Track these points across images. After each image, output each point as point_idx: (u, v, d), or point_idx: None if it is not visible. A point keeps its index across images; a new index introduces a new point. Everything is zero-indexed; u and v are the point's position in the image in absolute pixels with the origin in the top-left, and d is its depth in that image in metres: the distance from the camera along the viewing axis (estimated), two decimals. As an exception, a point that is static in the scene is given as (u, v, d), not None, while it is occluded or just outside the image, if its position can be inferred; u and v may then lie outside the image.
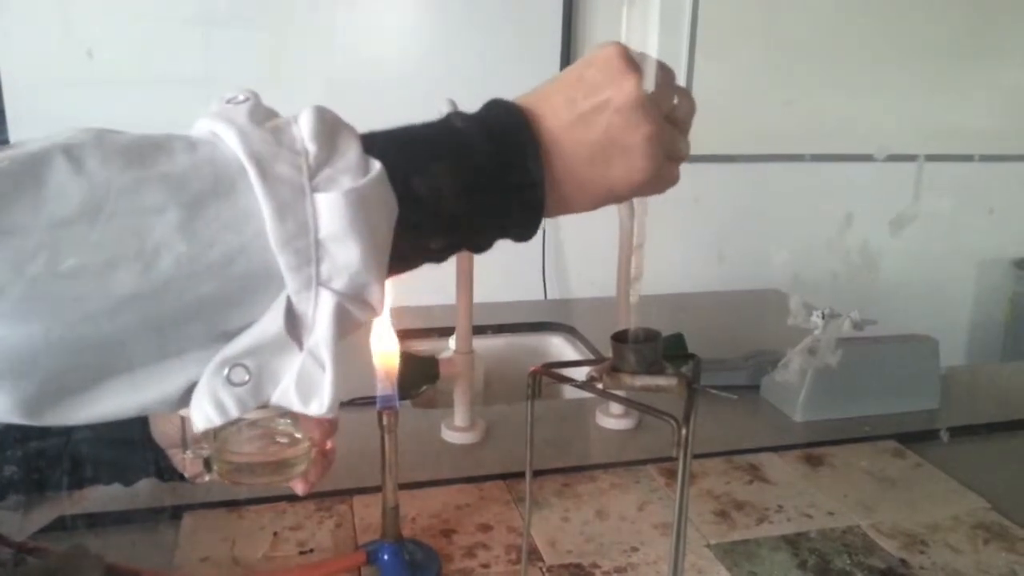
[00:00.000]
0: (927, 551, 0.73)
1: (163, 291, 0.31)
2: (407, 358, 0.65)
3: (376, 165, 0.36)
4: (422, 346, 1.24)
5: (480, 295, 0.91)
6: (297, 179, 0.33)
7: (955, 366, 1.17)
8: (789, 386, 1.00)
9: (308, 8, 1.84)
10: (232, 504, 0.77)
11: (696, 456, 0.84)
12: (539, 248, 2.05)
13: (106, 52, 1.76)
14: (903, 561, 0.72)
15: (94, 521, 0.72)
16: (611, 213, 0.91)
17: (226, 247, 0.32)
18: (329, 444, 0.60)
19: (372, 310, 0.36)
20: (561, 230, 2.07)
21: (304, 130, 0.35)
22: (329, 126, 0.36)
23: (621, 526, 0.76)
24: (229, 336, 0.34)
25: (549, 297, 2.06)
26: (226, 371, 0.34)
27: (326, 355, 0.35)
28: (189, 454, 0.55)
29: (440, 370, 1.05)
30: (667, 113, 0.46)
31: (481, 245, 0.43)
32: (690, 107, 0.48)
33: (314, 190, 0.34)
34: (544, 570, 0.69)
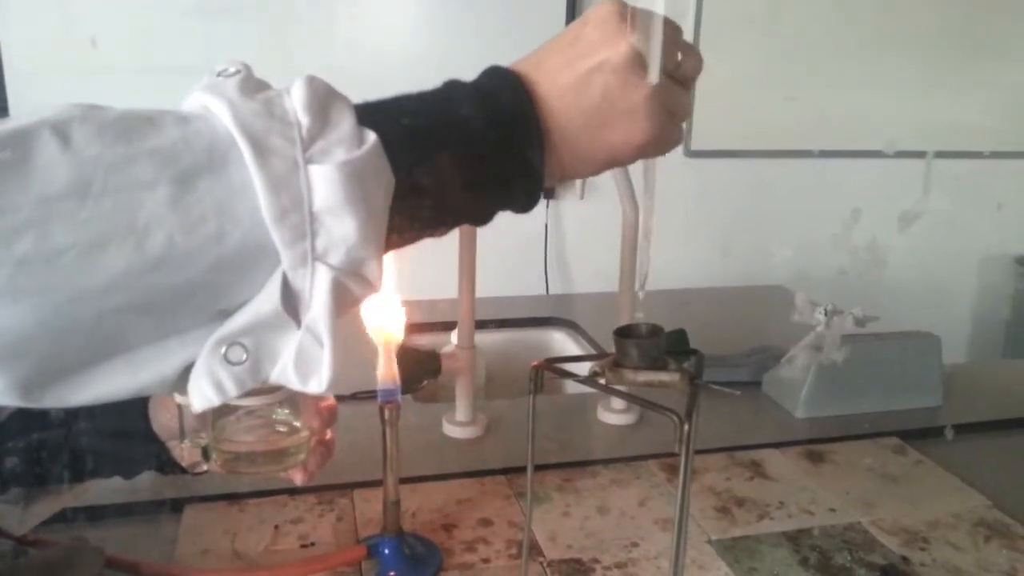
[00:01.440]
0: (928, 548, 0.73)
1: (155, 269, 0.31)
2: (409, 352, 0.65)
3: (371, 136, 0.35)
4: (424, 340, 1.24)
5: (482, 290, 0.91)
6: (290, 152, 0.33)
7: (957, 363, 1.17)
8: (791, 382, 1.00)
9: (310, -1, 1.84)
10: (233, 497, 0.77)
11: (698, 452, 0.83)
12: (541, 243, 2.04)
13: (108, 41, 1.76)
14: (904, 558, 0.72)
15: (94, 514, 0.72)
16: (613, 207, 0.91)
17: (219, 222, 0.32)
18: (329, 434, 0.60)
19: (370, 285, 0.36)
20: (563, 224, 2.07)
21: (296, 101, 0.34)
22: (321, 97, 0.35)
23: (622, 521, 0.76)
24: (226, 314, 0.33)
25: (551, 292, 2.06)
26: (223, 350, 0.33)
27: (324, 332, 0.34)
28: (187, 443, 0.55)
29: (442, 364, 1.05)
30: (670, 71, 0.45)
31: (481, 220, 0.43)
32: (696, 64, 0.46)
33: (308, 162, 0.33)
34: (544, 565, 0.69)
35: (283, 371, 0.34)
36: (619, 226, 0.92)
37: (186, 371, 0.34)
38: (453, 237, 0.85)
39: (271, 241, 0.32)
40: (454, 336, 0.94)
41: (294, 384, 0.34)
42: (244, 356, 0.33)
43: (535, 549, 0.71)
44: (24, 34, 1.73)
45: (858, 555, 0.72)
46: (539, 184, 0.42)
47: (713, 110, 2.07)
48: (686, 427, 0.46)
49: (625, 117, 0.42)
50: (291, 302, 0.34)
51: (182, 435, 0.56)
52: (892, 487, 0.84)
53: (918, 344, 1.04)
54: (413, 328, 1.26)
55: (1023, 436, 0.98)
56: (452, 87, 0.41)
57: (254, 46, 1.82)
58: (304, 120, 0.34)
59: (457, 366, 0.92)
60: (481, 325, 1.05)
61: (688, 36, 0.45)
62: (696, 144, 2.08)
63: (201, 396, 0.33)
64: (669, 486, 0.82)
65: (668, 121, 0.44)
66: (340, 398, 0.61)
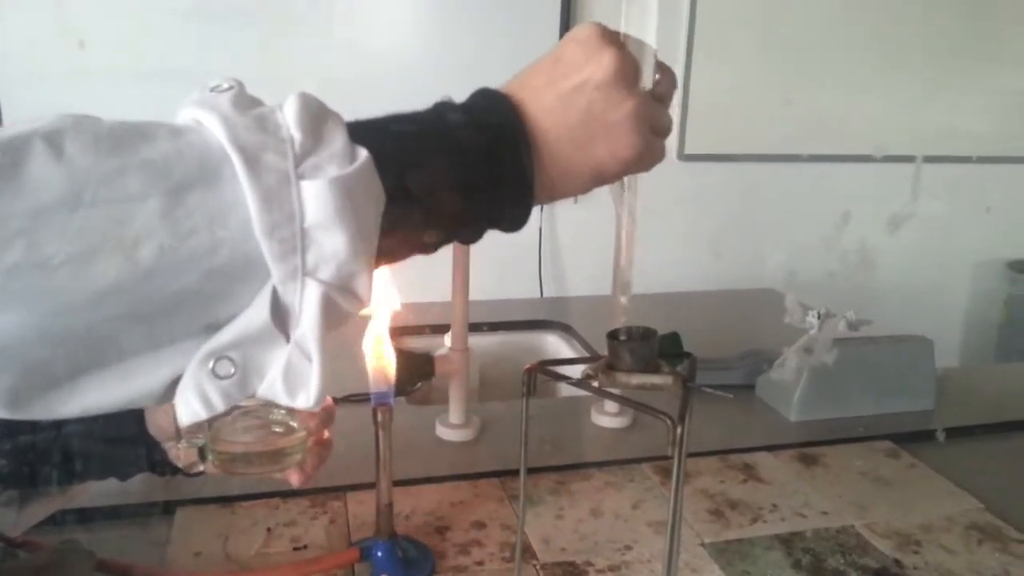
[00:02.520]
0: (921, 551, 0.74)
1: (145, 281, 0.31)
2: (402, 355, 0.65)
3: (363, 153, 0.35)
4: (417, 343, 1.24)
5: (476, 292, 0.91)
6: (282, 167, 0.33)
7: (950, 367, 1.17)
8: (784, 385, 1.00)
9: (306, 2, 1.84)
10: (225, 500, 0.76)
11: (691, 455, 0.83)
12: (535, 246, 2.05)
13: (101, 45, 1.75)
14: (897, 561, 0.72)
15: (86, 516, 0.72)
16: (608, 210, 0.91)
17: (210, 236, 0.32)
18: (325, 434, 0.59)
19: (359, 301, 0.36)
20: (558, 227, 2.07)
21: (289, 117, 0.35)
22: (314, 113, 0.35)
23: (615, 524, 0.76)
24: (214, 328, 0.33)
25: (545, 295, 2.06)
26: (211, 364, 0.33)
27: (313, 347, 0.34)
28: (183, 444, 0.55)
29: (435, 367, 1.05)
30: (649, 90, 0.46)
31: (471, 237, 0.43)
32: (671, 82, 0.48)
33: (300, 178, 0.33)
34: (538, 568, 0.69)
35: (271, 386, 0.34)
36: (612, 229, 0.92)
37: (173, 384, 0.34)
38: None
39: (261, 255, 0.33)
40: (447, 339, 0.94)
41: (281, 399, 0.34)
42: (232, 370, 0.33)
43: (528, 552, 0.71)
44: (18, 36, 1.73)
45: (851, 558, 0.72)
46: (529, 195, 0.42)
47: (706, 114, 2.08)
48: (679, 430, 0.46)
49: (610, 132, 0.43)
50: (280, 316, 0.34)
51: (178, 436, 0.56)
52: (885, 490, 0.84)
53: (911, 348, 1.05)
54: (407, 331, 1.27)
55: (1016, 439, 0.99)
56: (442, 105, 0.42)
57: (251, 49, 1.81)
58: (297, 136, 0.34)
59: (450, 369, 0.92)
60: (475, 328, 1.06)
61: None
62: (689, 148, 2.08)
63: (188, 410, 0.33)
64: (662, 489, 0.82)
65: (652, 137, 0.45)
66: (335, 401, 0.61)
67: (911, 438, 0.95)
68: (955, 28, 2.26)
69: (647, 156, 0.45)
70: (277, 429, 0.53)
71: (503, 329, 1.37)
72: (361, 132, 0.37)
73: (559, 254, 2.11)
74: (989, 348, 2.48)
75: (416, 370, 1.02)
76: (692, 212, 2.12)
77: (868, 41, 2.20)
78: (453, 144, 0.40)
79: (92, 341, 0.31)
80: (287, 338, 0.34)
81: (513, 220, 0.43)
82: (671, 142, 2.17)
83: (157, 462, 0.63)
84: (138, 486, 0.68)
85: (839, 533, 0.76)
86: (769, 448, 0.92)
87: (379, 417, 0.64)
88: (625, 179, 0.50)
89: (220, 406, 0.34)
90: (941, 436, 0.95)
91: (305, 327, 0.34)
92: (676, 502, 0.49)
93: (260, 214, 0.32)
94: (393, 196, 0.37)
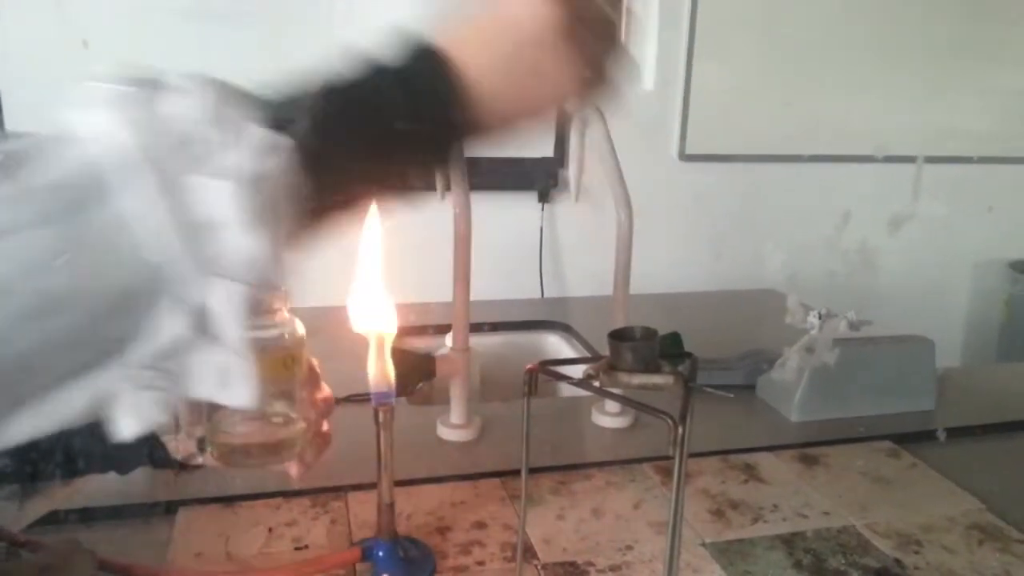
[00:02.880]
0: (921, 551, 0.74)
1: (51, 309, 0.30)
2: (403, 355, 0.65)
3: (277, 141, 0.34)
4: (418, 343, 1.24)
5: (477, 293, 0.91)
6: (186, 165, 0.32)
7: (951, 367, 1.17)
8: (785, 386, 1.00)
9: (306, 1, 1.84)
10: (226, 500, 0.77)
11: (692, 455, 0.83)
12: (536, 246, 2.05)
13: (100, 44, 1.75)
14: (897, 561, 0.72)
15: (87, 515, 0.72)
16: (607, 210, 0.91)
17: (114, 251, 0.31)
18: (325, 425, 0.59)
19: (275, 288, 0.35)
20: (558, 227, 2.07)
21: (198, 110, 0.34)
22: (226, 102, 0.34)
23: (616, 524, 0.76)
24: (132, 341, 0.32)
25: (546, 295, 2.06)
26: (137, 378, 0.32)
27: (237, 344, 0.33)
28: (182, 436, 0.55)
29: (436, 367, 1.05)
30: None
31: (397, 180, 0.43)
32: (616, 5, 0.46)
33: (206, 176, 0.32)
34: (539, 568, 0.69)
35: (204, 389, 0.34)
36: (613, 229, 0.92)
37: (99, 403, 0.32)
38: (448, 239, 0.86)
39: (172, 261, 0.32)
40: (448, 339, 0.94)
41: (216, 398, 0.34)
42: (160, 380, 0.33)
43: (529, 552, 0.71)
44: (19, 36, 1.73)
45: (852, 558, 0.72)
46: (455, 105, 0.41)
47: (707, 114, 2.08)
48: (680, 430, 0.46)
49: (548, 80, 0.42)
50: (198, 320, 0.33)
51: (177, 428, 0.56)
52: (886, 490, 0.84)
53: (912, 348, 1.05)
54: (408, 331, 1.27)
55: (1016, 439, 0.99)
56: (374, 69, 0.42)
57: (251, 49, 1.81)
58: (204, 130, 0.33)
59: (452, 369, 0.92)
60: (475, 328, 1.05)
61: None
62: (690, 148, 2.09)
63: (124, 425, 0.33)
64: (663, 489, 0.82)
65: (593, 74, 0.43)
66: (336, 401, 0.61)
67: (912, 438, 0.95)
68: (955, 28, 2.26)
69: (589, 93, 0.44)
70: (276, 420, 0.53)
71: (504, 329, 1.38)
72: (282, 107, 0.36)
73: (559, 254, 2.11)
74: (990, 348, 2.48)
75: (417, 370, 1.02)
76: (692, 212, 2.12)
77: (868, 41, 2.20)
78: (368, 71, 0.40)
79: (10, 372, 0.30)
80: (210, 340, 0.33)
81: (437, 147, 0.42)
82: (672, 143, 2.18)
83: (157, 456, 0.63)
84: (139, 486, 0.69)
85: (840, 533, 0.76)
86: (770, 448, 0.92)
87: (380, 417, 0.64)
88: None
89: (156, 417, 0.33)
90: (942, 436, 0.95)
91: (225, 326, 0.33)
92: (677, 502, 0.49)
93: (166, 219, 0.31)
94: (310, 150, 0.36)
